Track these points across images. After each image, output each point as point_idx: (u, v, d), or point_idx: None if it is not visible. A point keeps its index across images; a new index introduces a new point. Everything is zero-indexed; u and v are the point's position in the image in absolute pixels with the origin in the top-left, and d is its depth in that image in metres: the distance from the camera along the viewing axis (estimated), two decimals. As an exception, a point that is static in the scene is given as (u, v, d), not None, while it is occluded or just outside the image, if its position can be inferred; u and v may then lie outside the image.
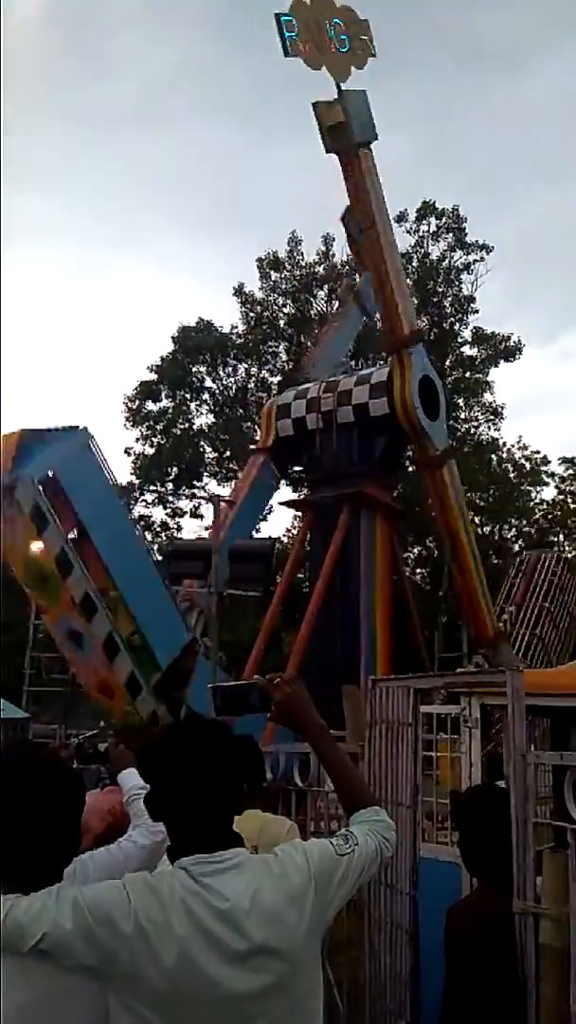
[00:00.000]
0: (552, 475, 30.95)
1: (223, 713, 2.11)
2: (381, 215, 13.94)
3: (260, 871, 1.72)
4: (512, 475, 30.61)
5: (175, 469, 32.35)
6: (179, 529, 32.37)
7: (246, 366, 32.46)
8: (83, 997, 1.62)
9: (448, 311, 31.72)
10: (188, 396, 32.70)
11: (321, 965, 1.85)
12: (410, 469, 22.65)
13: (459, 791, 3.82)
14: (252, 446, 31.00)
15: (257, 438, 27.96)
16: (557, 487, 31.18)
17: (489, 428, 31.81)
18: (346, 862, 1.82)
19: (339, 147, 13.33)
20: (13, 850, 1.73)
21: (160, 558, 30.83)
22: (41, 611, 12.33)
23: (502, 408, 31.73)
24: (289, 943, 1.67)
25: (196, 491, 32.62)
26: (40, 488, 10.11)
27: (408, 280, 30.94)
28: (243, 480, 16.04)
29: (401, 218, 31.43)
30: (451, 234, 31.62)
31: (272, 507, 31.74)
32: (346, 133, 13.04)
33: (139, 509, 32.51)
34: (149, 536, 32.98)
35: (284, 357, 32.58)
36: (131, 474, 32.41)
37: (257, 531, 30.97)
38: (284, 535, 28.62)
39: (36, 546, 10.06)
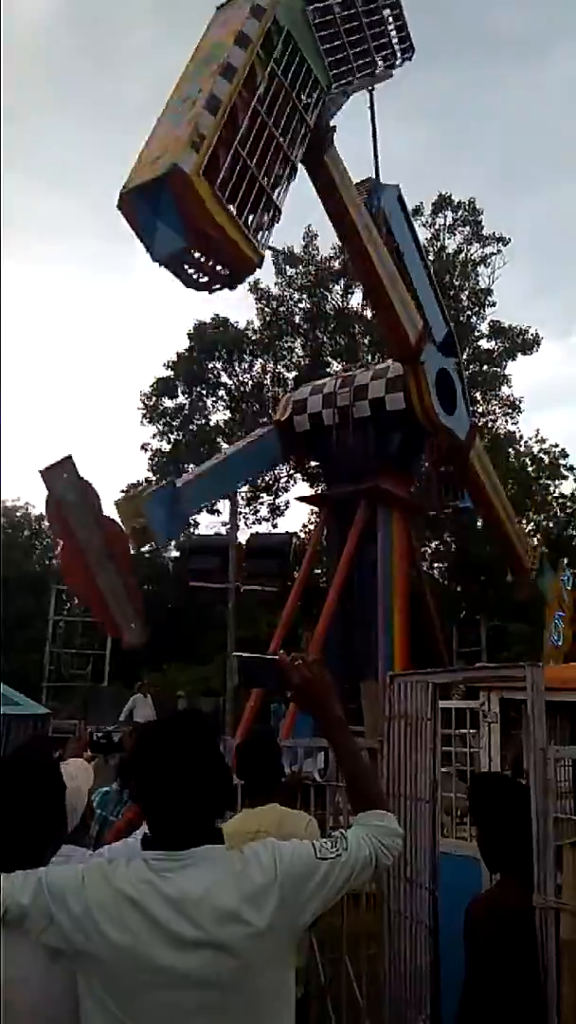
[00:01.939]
0: (571, 468, 30.68)
1: (247, 685, 2.10)
2: (360, 216, 12.33)
3: (220, 867, 1.72)
4: (530, 469, 30.40)
5: (191, 465, 32.40)
6: (196, 525, 32.45)
7: (262, 362, 32.46)
8: (53, 977, 1.68)
9: (465, 304, 31.54)
10: (204, 392, 32.77)
11: (290, 964, 1.79)
12: (425, 464, 22.57)
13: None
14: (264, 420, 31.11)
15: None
16: (576, 480, 30.94)
17: (507, 422, 31.66)
18: (327, 866, 1.77)
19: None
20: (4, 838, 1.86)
21: (178, 554, 31.14)
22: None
23: (519, 401, 31.56)
24: (242, 941, 1.65)
25: (212, 487, 32.69)
26: None
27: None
28: (247, 439, 15.63)
29: (417, 211, 31.24)
30: (467, 227, 31.45)
31: (288, 502, 31.85)
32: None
33: (156, 505, 32.66)
34: (166, 532, 33.17)
35: (300, 352, 32.54)
36: (148, 470, 32.61)
37: (274, 526, 31.07)
38: (301, 530, 28.64)
39: None
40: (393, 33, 13.36)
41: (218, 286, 9.89)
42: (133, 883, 1.67)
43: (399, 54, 14.33)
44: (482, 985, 2.73)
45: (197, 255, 9.38)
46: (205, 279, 9.59)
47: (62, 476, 9.49)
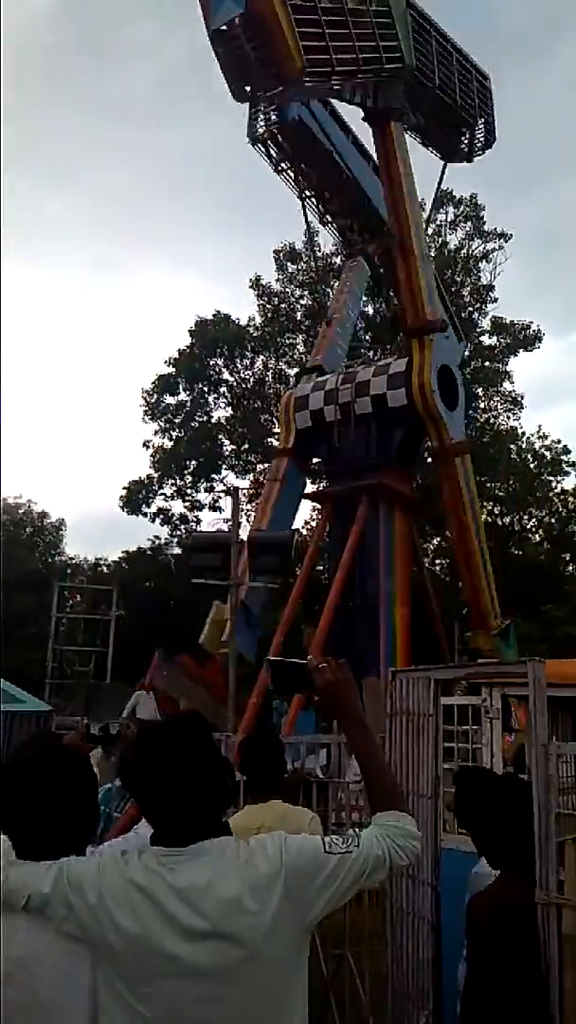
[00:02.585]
0: (573, 464, 30.64)
1: (279, 691, 2.12)
2: (411, 191, 14.22)
3: (226, 859, 1.74)
4: (532, 465, 30.36)
5: (193, 462, 32.42)
6: (198, 522, 32.48)
7: (263, 358, 32.44)
8: (72, 965, 1.71)
9: (466, 300, 31.48)
10: (206, 389, 32.74)
11: (302, 964, 1.79)
12: (428, 460, 22.55)
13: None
14: (270, 439, 31.08)
15: (276, 430, 27.99)
16: (577, 476, 30.87)
17: (508, 418, 31.63)
18: (335, 862, 1.77)
19: (382, 105, 13.80)
20: (34, 829, 1.87)
21: (180, 550, 31.13)
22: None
23: (521, 398, 31.55)
24: (247, 931, 1.67)
25: (214, 484, 32.72)
26: None
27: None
28: (271, 481, 16.14)
29: (418, 207, 31.22)
30: (469, 223, 31.38)
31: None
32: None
33: (158, 502, 32.71)
34: (168, 530, 33.20)
35: (301, 349, 32.47)
36: (149, 468, 32.60)
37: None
38: (303, 527, 28.60)
39: None
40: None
41: (259, 91, 12.10)
42: (143, 874, 1.71)
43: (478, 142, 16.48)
44: (484, 981, 2.74)
45: (248, 43, 11.04)
46: (244, 69, 11.54)
47: (161, 674, 10.88)
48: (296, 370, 31.02)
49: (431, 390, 14.06)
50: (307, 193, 17.72)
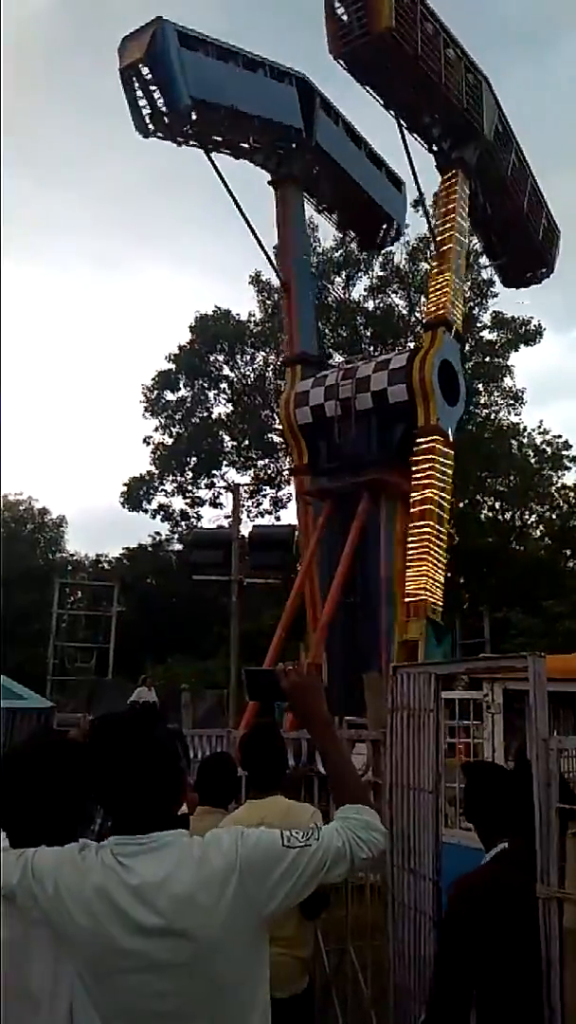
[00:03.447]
0: (574, 459, 30.63)
1: (253, 697, 2.18)
2: (462, 206, 16.63)
3: (180, 854, 1.74)
4: (533, 460, 30.33)
5: (194, 458, 32.40)
6: (198, 518, 32.51)
7: (264, 354, 32.37)
8: (46, 952, 1.74)
9: (468, 295, 31.41)
10: (206, 385, 32.71)
11: (261, 957, 1.80)
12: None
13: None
14: (270, 435, 31.01)
15: (276, 426, 27.93)
16: (579, 472, 30.83)
17: (509, 413, 31.58)
18: (294, 855, 1.77)
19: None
20: (27, 818, 1.91)
21: (181, 547, 31.13)
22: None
23: (522, 393, 31.49)
24: (201, 925, 1.67)
25: (215, 480, 32.71)
26: None
27: (427, 265, 30.75)
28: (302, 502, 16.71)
29: (418, 203, 31.14)
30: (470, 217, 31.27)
31: (291, 495, 31.77)
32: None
33: (158, 499, 32.71)
34: (169, 526, 33.20)
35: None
36: (150, 464, 32.59)
37: (277, 519, 31.06)
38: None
39: None
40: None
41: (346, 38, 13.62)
42: (98, 869, 1.73)
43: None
44: (442, 963, 2.78)
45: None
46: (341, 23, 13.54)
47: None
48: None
49: (431, 366, 14.34)
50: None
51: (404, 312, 31.99)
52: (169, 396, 32.48)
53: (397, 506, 15.04)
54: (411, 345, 22.90)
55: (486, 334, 31.59)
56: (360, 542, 14.39)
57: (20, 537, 34.46)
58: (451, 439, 15.29)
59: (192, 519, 32.52)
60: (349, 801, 1.97)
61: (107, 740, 1.84)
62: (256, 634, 19.60)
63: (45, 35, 61.08)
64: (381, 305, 32.17)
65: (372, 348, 29.27)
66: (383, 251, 27.92)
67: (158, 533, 33.61)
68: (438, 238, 16.83)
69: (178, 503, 32.99)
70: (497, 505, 30.89)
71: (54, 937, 1.73)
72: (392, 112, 15.07)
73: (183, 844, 1.77)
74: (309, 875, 1.78)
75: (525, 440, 30.87)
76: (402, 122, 15.30)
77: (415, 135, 16.19)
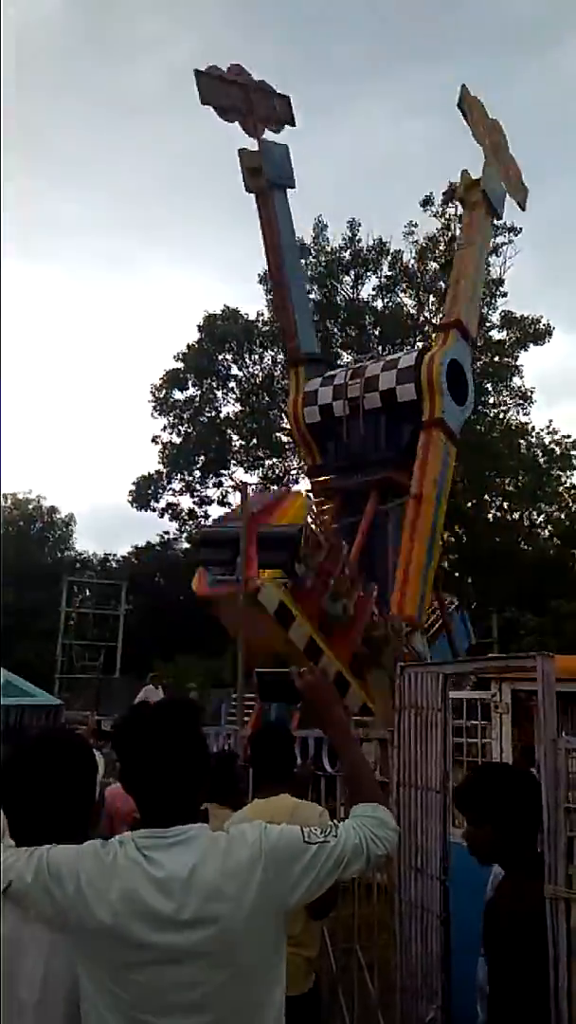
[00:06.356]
0: (583, 460, 30.53)
1: (265, 699, 2.20)
2: (484, 232, 17.91)
3: (206, 846, 1.76)
4: (541, 460, 30.25)
5: (202, 457, 32.43)
6: (206, 517, 32.50)
7: (272, 353, 32.37)
8: (46, 947, 1.74)
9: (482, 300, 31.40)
10: (214, 384, 32.74)
11: (280, 953, 1.82)
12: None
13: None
14: (278, 434, 30.96)
15: (284, 425, 27.94)
16: (588, 472, 30.72)
17: (518, 412, 31.53)
18: (314, 851, 1.79)
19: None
20: (30, 813, 1.90)
21: (189, 545, 31.16)
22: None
23: (531, 392, 31.42)
24: (227, 916, 1.69)
25: (223, 479, 32.73)
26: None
27: (435, 264, 30.71)
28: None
29: (427, 202, 31.13)
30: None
31: (300, 493, 31.78)
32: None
33: (167, 498, 32.76)
34: (177, 525, 33.24)
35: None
36: (158, 463, 32.64)
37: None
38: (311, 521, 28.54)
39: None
40: None
41: None
42: (123, 864, 1.73)
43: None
44: (513, 988, 2.72)
45: None
46: None
47: None
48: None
49: (440, 364, 14.34)
50: None
51: (413, 311, 31.97)
52: (177, 395, 32.54)
53: (405, 504, 15.03)
54: (420, 345, 22.87)
55: (495, 333, 31.56)
56: (367, 541, 14.38)
57: (29, 536, 34.58)
58: (456, 436, 15.27)
59: (200, 518, 32.57)
60: (364, 800, 2.00)
61: (135, 730, 1.84)
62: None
63: (53, 33, 61.24)
64: (390, 304, 32.14)
65: (381, 347, 29.23)
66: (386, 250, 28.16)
67: (166, 532, 33.69)
68: (457, 244, 17.69)
69: (186, 502, 33.08)
70: (505, 505, 30.80)
71: (51, 939, 1.72)
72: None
73: (208, 837, 1.79)
74: (328, 870, 1.81)
75: (534, 440, 30.81)
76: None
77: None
